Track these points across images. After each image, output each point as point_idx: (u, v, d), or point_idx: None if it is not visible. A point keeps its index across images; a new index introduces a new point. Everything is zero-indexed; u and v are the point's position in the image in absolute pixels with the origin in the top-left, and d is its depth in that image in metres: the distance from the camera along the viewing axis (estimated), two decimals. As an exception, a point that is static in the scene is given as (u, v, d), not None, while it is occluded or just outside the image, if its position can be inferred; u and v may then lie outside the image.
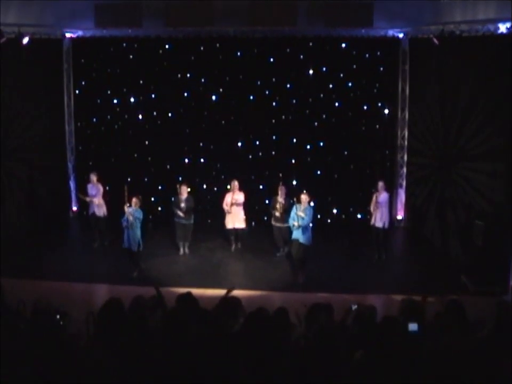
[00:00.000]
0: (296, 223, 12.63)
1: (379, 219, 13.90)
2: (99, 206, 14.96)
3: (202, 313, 6.47)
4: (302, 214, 12.54)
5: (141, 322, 5.99)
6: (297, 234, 12.71)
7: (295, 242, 12.81)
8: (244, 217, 14.82)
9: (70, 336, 6.09)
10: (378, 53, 16.34)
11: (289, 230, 13.33)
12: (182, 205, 14.24)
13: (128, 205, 12.76)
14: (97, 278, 12.71)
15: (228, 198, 14.67)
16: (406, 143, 16.91)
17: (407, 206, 17.00)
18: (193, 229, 14.74)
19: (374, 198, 13.98)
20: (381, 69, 16.42)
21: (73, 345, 5.75)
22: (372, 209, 14.07)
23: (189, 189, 14.69)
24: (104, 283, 12.53)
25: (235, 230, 14.87)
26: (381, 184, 13.99)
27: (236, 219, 14.71)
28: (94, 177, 15.00)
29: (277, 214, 14.09)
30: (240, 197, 14.67)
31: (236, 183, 14.68)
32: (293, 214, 12.84)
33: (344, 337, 6.19)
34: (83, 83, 17.43)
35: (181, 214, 14.25)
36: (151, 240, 15.00)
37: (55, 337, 5.80)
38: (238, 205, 14.63)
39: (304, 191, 13.16)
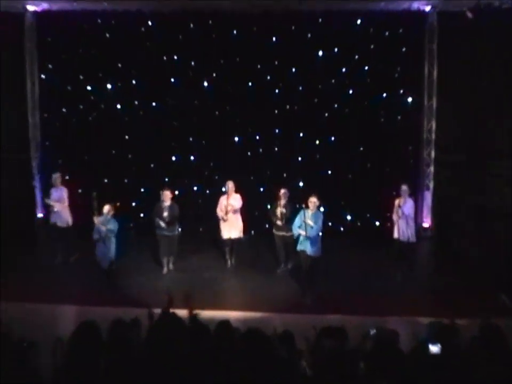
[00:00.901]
0: (303, 232, 12.51)
1: (403, 231, 13.60)
2: (63, 214, 14.71)
3: (191, 336, 6.41)
4: (310, 222, 12.41)
5: (122, 349, 5.93)
6: (304, 245, 12.60)
7: (301, 255, 12.71)
8: (242, 225, 14.74)
9: (35, 370, 6.03)
10: (401, 30, 16.31)
11: (294, 240, 13.25)
12: (165, 214, 14.07)
13: (96, 214, 12.56)
14: (65, 299, 12.59)
15: (223, 203, 14.58)
16: (433, 137, 16.90)
17: (435, 212, 16.96)
18: (181, 240, 14.67)
19: (396, 205, 13.73)
20: (404, 49, 16.39)
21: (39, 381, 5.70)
22: (394, 219, 13.83)
23: (172, 195, 14.43)
24: (74, 304, 12.41)
25: (231, 241, 14.79)
26: (404, 188, 13.65)
27: (232, 228, 14.63)
28: (57, 179, 14.77)
29: (278, 222, 14.03)
30: (237, 201, 14.58)
31: (231, 185, 14.59)
32: (299, 221, 12.70)
33: (360, 367, 6.12)
34: (50, 66, 17.41)
35: (163, 224, 14.10)
36: (133, 251, 14.94)
37: (20, 372, 5.74)
38: (234, 211, 14.55)
39: (313, 194, 13.02)
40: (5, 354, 6.04)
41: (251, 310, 11.97)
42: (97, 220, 12.43)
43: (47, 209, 15.67)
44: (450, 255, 15.39)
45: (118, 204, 13.11)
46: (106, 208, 12.66)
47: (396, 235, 13.74)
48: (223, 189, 15.09)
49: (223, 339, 6.45)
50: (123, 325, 6.80)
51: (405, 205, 13.53)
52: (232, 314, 10.99)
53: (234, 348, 6.34)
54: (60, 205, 14.62)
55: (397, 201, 13.70)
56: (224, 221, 14.59)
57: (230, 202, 14.50)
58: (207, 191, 17.22)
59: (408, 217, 13.59)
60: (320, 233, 12.81)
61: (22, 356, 6.11)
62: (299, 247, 12.74)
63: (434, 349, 6.02)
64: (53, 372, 6.52)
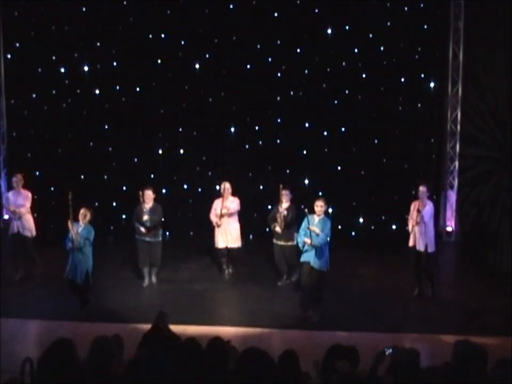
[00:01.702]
0: (308, 241, 12.32)
1: (420, 239, 13.29)
2: (25, 222, 14.34)
3: (181, 356, 6.38)
4: (316, 230, 12.14)
5: (103, 371, 5.91)
6: (309, 256, 12.32)
7: (305, 266, 12.45)
8: (239, 232, 14.63)
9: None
10: (422, 5, 16.33)
11: (295, 251, 13.16)
12: (145, 217, 13.77)
13: (72, 219, 12.38)
14: (32, 313, 12.55)
15: (217, 206, 14.47)
16: (458, 128, 16.90)
17: (460, 213, 16.96)
18: (167, 247, 14.61)
19: (412, 209, 13.45)
20: (425, 27, 16.40)
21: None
22: (410, 225, 13.55)
23: (154, 195, 14.05)
24: (43, 319, 12.36)
25: (227, 250, 14.69)
26: (422, 190, 13.19)
27: (227, 236, 14.48)
28: (18, 181, 14.36)
29: (277, 228, 13.90)
30: (233, 204, 14.37)
31: (227, 186, 14.31)
32: (302, 229, 12.54)
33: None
34: (17, 45, 17.38)
35: (143, 230, 13.88)
36: (112, 259, 14.92)
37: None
38: (230, 215, 14.41)
39: (319, 197, 12.80)
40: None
41: (248, 326, 11.94)
42: (72, 225, 12.18)
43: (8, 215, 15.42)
44: (478, 264, 15.39)
45: (94, 206, 12.86)
46: (81, 212, 12.35)
47: (411, 243, 13.46)
48: (217, 188, 15.03)
49: (215, 359, 6.42)
50: (104, 343, 6.76)
51: (423, 209, 13.28)
52: (227, 331, 10.99)
53: (229, 369, 6.32)
54: (22, 211, 14.24)
55: (413, 205, 13.41)
56: (218, 226, 14.37)
57: (226, 205, 14.28)
58: (199, 190, 17.23)
59: (427, 223, 13.23)
60: (328, 239, 12.64)
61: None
62: (303, 258, 12.39)
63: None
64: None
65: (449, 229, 17.03)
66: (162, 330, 7.22)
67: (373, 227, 17.22)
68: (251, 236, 16.42)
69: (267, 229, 15.72)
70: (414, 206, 13.37)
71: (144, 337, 7.07)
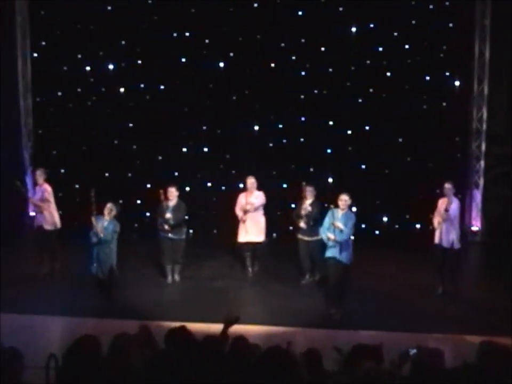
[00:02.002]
0: (331, 236, 12.33)
1: (446, 237, 13.31)
2: (48, 216, 14.41)
3: (201, 353, 6.36)
4: (340, 225, 12.15)
5: (125, 369, 5.90)
6: (333, 251, 12.39)
7: (330, 262, 12.49)
8: (264, 227, 14.66)
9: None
10: (447, 3, 16.24)
11: (320, 246, 13.12)
12: (168, 215, 13.79)
13: (95, 214, 12.44)
14: (56, 310, 12.58)
15: (242, 201, 14.50)
16: (484, 127, 16.79)
17: (485, 213, 16.84)
18: (190, 244, 14.63)
19: (439, 206, 13.49)
20: (450, 24, 16.31)
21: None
22: (435, 222, 13.52)
23: (177, 192, 14.10)
24: (67, 316, 12.40)
25: (251, 245, 14.71)
26: (448, 186, 13.25)
27: (252, 230, 14.51)
28: (40, 176, 14.44)
29: (302, 224, 13.88)
30: (258, 199, 14.43)
31: (252, 181, 14.40)
32: (327, 223, 12.53)
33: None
34: (43, 43, 17.51)
35: (166, 227, 13.89)
36: (136, 256, 14.96)
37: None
38: (255, 209, 14.44)
39: (344, 192, 12.83)
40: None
41: (271, 325, 11.94)
42: (95, 220, 12.26)
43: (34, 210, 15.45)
44: (504, 264, 15.25)
45: (120, 202, 12.93)
46: (107, 207, 12.46)
47: (437, 240, 13.45)
48: (241, 185, 15.05)
49: (238, 358, 6.39)
50: (126, 340, 6.76)
51: (449, 206, 13.26)
52: (250, 329, 10.97)
53: (251, 368, 6.29)
54: (44, 205, 14.31)
55: (440, 202, 13.42)
56: (243, 221, 14.44)
57: (250, 200, 14.37)
58: (222, 188, 17.23)
59: (453, 220, 13.26)
60: (352, 238, 12.68)
61: (6, 368, 6.07)
62: (327, 254, 12.44)
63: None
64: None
65: (474, 228, 16.92)
66: (186, 330, 7.18)
67: (397, 226, 17.15)
68: (274, 234, 16.36)
69: (290, 227, 15.73)
70: (440, 203, 13.36)
71: (167, 334, 7.05)
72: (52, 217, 14.38)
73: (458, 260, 14.06)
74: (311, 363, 6.47)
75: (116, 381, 5.69)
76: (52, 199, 14.39)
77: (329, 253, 12.35)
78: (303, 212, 13.74)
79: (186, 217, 14.23)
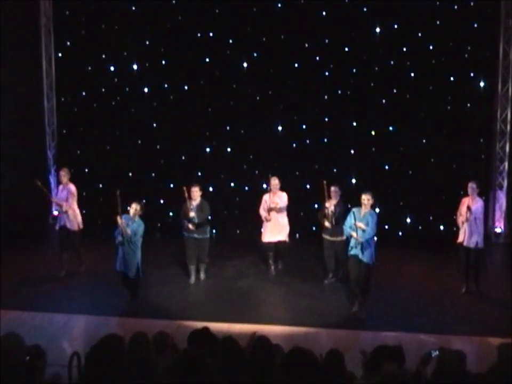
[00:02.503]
0: (354, 235, 12.36)
1: (469, 236, 13.27)
2: (71, 216, 14.42)
3: (225, 355, 6.39)
4: (362, 225, 12.19)
5: (146, 368, 5.93)
6: (355, 251, 12.44)
7: (353, 260, 12.56)
8: (288, 227, 14.71)
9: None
10: (472, 3, 16.16)
11: (345, 246, 13.14)
12: (192, 214, 13.80)
13: (120, 215, 12.43)
14: (82, 308, 12.69)
15: (266, 202, 14.56)
16: (508, 128, 16.69)
17: (509, 214, 16.76)
18: (213, 244, 14.68)
19: (463, 205, 13.45)
20: (475, 25, 16.23)
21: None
22: (459, 222, 13.49)
23: (201, 192, 14.10)
24: (91, 314, 12.47)
25: (275, 245, 14.76)
26: (472, 186, 13.26)
27: (276, 230, 14.58)
28: (64, 175, 14.49)
29: (327, 224, 13.91)
30: (282, 199, 14.49)
31: (276, 181, 14.42)
32: (349, 222, 12.56)
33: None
34: (68, 44, 17.63)
35: (191, 227, 13.96)
36: (159, 255, 15.03)
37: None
38: (279, 210, 14.49)
39: (366, 191, 12.78)
40: (11, 364, 6.08)
41: (295, 325, 11.93)
42: (120, 220, 12.32)
43: (57, 210, 15.47)
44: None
45: (144, 201, 12.95)
46: (133, 206, 12.51)
47: (460, 240, 13.45)
48: (264, 186, 15.08)
49: (259, 359, 6.41)
50: (145, 341, 6.80)
51: (473, 206, 13.22)
52: (272, 329, 11.00)
53: (273, 369, 6.31)
54: (67, 205, 14.33)
55: (464, 201, 13.41)
56: (267, 221, 14.50)
57: (274, 201, 14.41)
58: (246, 188, 17.25)
59: (476, 219, 13.24)
60: (375, 238, 12.70)
61: (27, 369, 6.13)
62: (349, 252, 12.56)
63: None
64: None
65: (498, 230, 16.83)
66: (209, 331, 7.22)
67: (420, 227, 17.09)
68: (297, 235, 16.36)
69: (313, 228, 15.76)
70: (463, 203, 13.36)
71: (191, 335, 7.09)
72: (75, 217, 14.43)
73: (481, 259, 14.07)
74: (333, 364, 6.48)
75: (139, 381, 5.74)
76: (75, 199, 14.47)
77: (352, 252, 12.48)
78: (327, 212, 13.77)
79: (210, 216, 14.27)
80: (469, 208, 13.08)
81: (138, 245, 12.54)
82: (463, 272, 13.67)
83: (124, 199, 12.47)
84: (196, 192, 13.92)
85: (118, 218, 12.31)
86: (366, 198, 12.35)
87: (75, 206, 14.48)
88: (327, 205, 13.76)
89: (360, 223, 12.17)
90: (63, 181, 14.49)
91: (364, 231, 12.17)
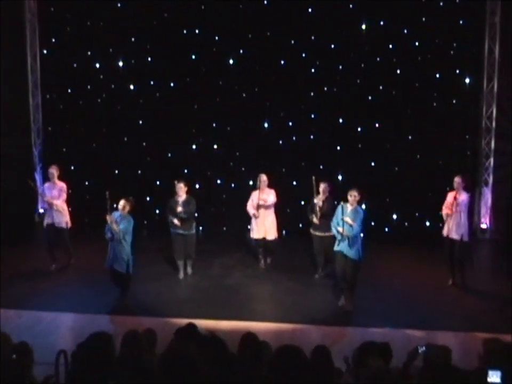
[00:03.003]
0: (341, 229, 12.45)
1: (455, 228, 13.48)
2: (60, 214, 14.50)
3: (212, 352, 6.40)
4: (349, 220, 12.30)
5: (137, 365, 5.94)
6: (342, 246, 12.51)
7: (339, 256, 12.64)
8: (275, 223, 14.77)
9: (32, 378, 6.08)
10: (458, 1, 16.22)
11: (333, 241, 13.17)
12: (179, 209, 13.90)
13: (110, 213, 12.44)
14: (69, 306, 12.65)
15: (255, 198, 14.60)
16: (493, 124, 16.75)
17: (495, 210, 16.83)
18: (200, 241, 14.71)
19: (450, 199, 13.64)
20: (461, 22, 16.28)
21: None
22: (444, 214, 13.69)
23: (187, 188, 14.13)
24: (78, 313, 12.43)
25: (264, 241, 14.84)
26: (458, 180, 13.44)
27: (264, 226, 14.67)
28: (53, 173, 14.47)
29: (315, 220, 13.97)
30: (270, 196, 14.55)
31: (264, 179, 14.49)
32: (337, 217, 12.67)
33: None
34: (53, 40, 17.58)
35: (176, 222, 14.02)
36: (146, 253, 15.03)
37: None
38: (267, 207, 14.56)
39: (353, 187, 12.74)
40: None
41: (281, 322, 11.96)
42: (110, 218, 12.34)
43: (44, 207, 15.46)
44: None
45: (132, 198, 12.93)
46: (122, 203, 12.54)
47: (446, 233, 13.66)
48: (250, 183, 15.11)
49: (247, 355, 6.43)
50: (134, 338, 6.81)
51: (459, 198, 13.40)
52: (259, 326, 11.02)
53: (261, 365, 6.33)
54: (56, 202, 14.37)
55: (450, 195, 13.62)
56: (256, 218, 14.59)
57: (263, 197, 14.47)
58: (232, 185, 17.26)
59: (462, 212, 13.44)
60: (361, 233, 12.75)
61: (13, 368, 6.13)
62: (336, 248, 12.63)
63: (494, 376, 5.98)
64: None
65: (484, 226, 16.90)
66: (195, 327, 7.24)
67: (406, 223, 17.15)
68: (284, 232, 16.39)
69: (301, 225, 15.79)
70: (449, 196, 13.58)
71: (177, 332, 7.11)
72: (64, 214, 14.49)
73: (467, 253, 14.22)
74: (320, 360, 6.51)
75: (127, 378, 5.74)
76: (65, 196, 14.50)
77: (339, 247, 12.56)
78: (316, 208, 13.84)
79: (196, 214, 14.31)
80: (455, 199, 13.28)
81: (128, 241, 12.56)
82: (449, 265, 13.86)
83: (112, 197, 12.47)
84: (182, 188, 13.97)
85: (108, 216, 12.35)
86: (352, 195, 12.43)
87: (64, 204, 14.51)
88: (315, 200, 13.82)
89: (347, 218, 12.28)
90: (53, 179, 14.46)
91: (351, 226, 12.26)
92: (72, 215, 14.77)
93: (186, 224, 14.05)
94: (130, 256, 12.61)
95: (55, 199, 14.36)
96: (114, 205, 12.54)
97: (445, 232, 13.66)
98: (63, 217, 14.49)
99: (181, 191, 13.99)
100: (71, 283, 13.92)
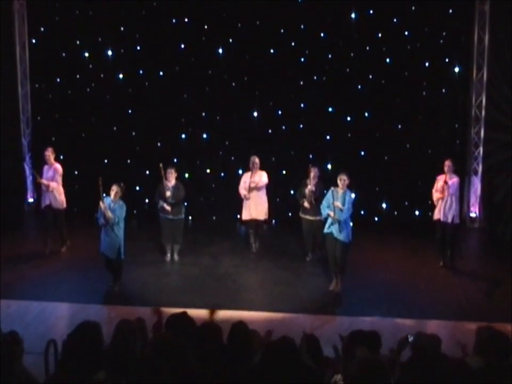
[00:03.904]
0: (331, 214, 12.62)
1: (445, 211, 13.80)
2: (57, 195, 14.75)
3: (203, 340, 6.39)
4: (339, 205, 12.50)
5: (128, 355, 5.94)
6: (332, 229, 12.71)
7: (329, 239, 12.84)
8: (267, 205, 14.92)
9: (23, 374, 6.06)
10: (447, -12, 16.19)
11: (323, 225, 13.24)
12: (168, 194, 14.09)
13: (103, 200, 12.55)
14: (58, 296, 12.65)
15: (246, 180, 14.71)
16: (483, 113, 16.76)
17: (484, 199, 16.87)
18: (188, 231, 14.76)
19: (437, 183, 13.90)
20: (450, 11, 16.27)
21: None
22: (435, 198, 13.97)
23: (176, 174, 14.36)
24: (68, 302, 12.47)
25: (254, 223, 14.95)
26: (448, 164, 13.76)
27: (255, 208, 14.80)
28: (49, 155, 14.73)
29: (306, 204, 14.06)
30: (262, 178, 14.72)
31: (257, 161, 14.68)
32: (326, 202, 12.79)
33: (396, 378, 6.11)
34: (42, 29, 17.48)
35: (166, 207, 14.16)
36: (135, 242, 15.03)
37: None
38: (259, 189, 14.68)
39: (342, 172, 12.90)
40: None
41: (270, 311, 12.00)
42: (103, 204, 12.42)
43: (40, 189, 15.52)
44: (502, 251, 15.30)
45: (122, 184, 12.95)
46: (113, 189, 12.59)
47: (437, 216, 13.98)
48: (240, 172, 15.14)
49: (236, 344, 6.42)
50: (127, 328, 6.79)
51: (449, 181, 13.70)
52: (249, 315, 11.03)
53: (251, 354, 6.33)
54: (54, 184, 14.61)
55: (440, 178, 13.88)
56: (247, 199, 14.73)
57: (255, 179, 14.63)
58: (221, 174, 17.24)
59: (452, 195, 13.75)
60: (350, 216, 12.81)
61: (6, 352, 6.11)
62: (326, 230, 12.84)
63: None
64: (45, 373, 6.59)
65: (473, 214, 16.94)
66: (187, 316, 7.24)
67: (396, 212, 17.17)
68: (274, 221, 16.40)
69: (290, 213, 15.82)
70: (439, 180, 13.89)
71: (167, 321, 7.11)
72: (60, 196, 14.76)
73: (457, 234, 14.50)
74: (309, 349, 6.51)
75: (117, 367, 5.74)
76: (60, 178, 14.75)
77: (328, 230, 12.81)
78: (307, 192, 13.97)
79: (185, 203, 14.37)
80: (446, 183, 13.59)
81: (121, 227, 12.69)
82: (440, 247, 14.23)
83: (105, 187, 12.55)
84: (172, 174, 14.17)
85: (100, 202, 12.44)
86: (342, 178, 12.69)
87: (60, 186, 14.76)
88: (307, 185, 13.97)
89: (337, 202, 12.52)
90: (49, 161, 14.70)
91: (341, 210, 12.49)
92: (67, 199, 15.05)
93: (175, 209, 14.20)
94: (122, 241, 12.73)
95: (50, 181, 14.58)
96: (104, 194, 12.57)
97: (436, 215, 14.03)
98: (59, 199, 14.76)
99: (171, 176, 14.17)
100: (60, 272, 13.87)
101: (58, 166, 14.81)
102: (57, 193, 14.73)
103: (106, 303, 12.22)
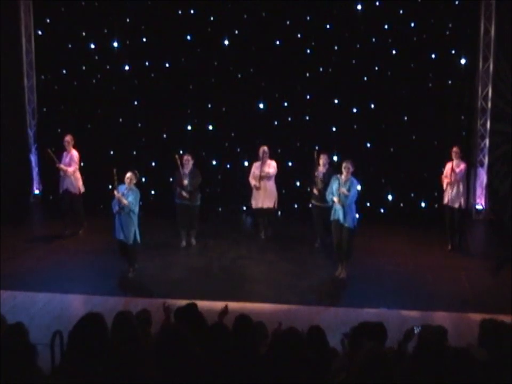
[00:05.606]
0: (336, 199, 12.78)
1: (454, 197, 14.21)
2: (73, 180, 15.22)
3: (212, 334, 6.39)
4: (344, 191, 12.65)
5: (130, 346, 5.93)
6: (338, 214, 12.88)
7: (335, 224, 12.99)
8: (276, 194, 15.05)
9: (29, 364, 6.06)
10: (453, -21, 16.14)
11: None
12: (186, 181, 14.23)
13: (117, 188, 12.69)
14: (64, 287, 12.62)
15: (256, 170, 14.79)
16: (489, 105, 16.72)
17: (490, 191, 16.83)
18: (202, 213, 14.93)
19: (448, 168, 14.15)
20: (456, 2, 16.22)
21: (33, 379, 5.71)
22: (444, 183, 14.29)
23: (193, 160, 14.56)
24: (73, 294, 12.46)
25: (264, 212, 15.06)
26: (456, 150, 14.14)
27: (265, 197, 14.95)
28: (69, 141, 15.24)
29: (315, 191, 14.13)
30: (271, 168, 14.86)
31: (266, 150, 14.81)
32: (332, 188, 12.88)
33: (402, 369, 6.10)
34: (48, 21, 17.47)
35: (184, 194, 14.28)
36: (140, 235, 15.04)
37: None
38: (269, 178, 14.81)
39: (347, 159, 13.02)
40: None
41: (276, 302, 12.00)
42: (117, 193, 12.53)
43: (58, 174, 15.57)
44: (509, 242, 15.25)
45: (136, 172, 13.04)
46: (127, 176, 12.68)
47: (445, 201, 14.41)
48: (246, 164, 15.15)
49: (241, 337, 6.42)
50: (130, 319, 6.79)
51: (457, 168, 14.11)
52: (255, 307, 11.04)
53: (255, 347, 6.33)
54: (70, 170, 15.10)
55: (449, 164, 14.21)
56: (257, 189, 14.86)
57: (264, 169, 14.75)
58: (227, 166, 17.22)
59: (460, 181, 14.18)
60: (355, 202, 12.93)
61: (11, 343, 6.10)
62: (332, 217, 13.00)
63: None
64: (51, 364, 6.58)
65: (479, 206, 16.90)
66: (195, 307, 7.24)
67: (402, 204, 17.13)
68: (279, 212, 16.39)
69: (295, 205, 15.81)
70: (447, 166, 14.23)
71: (175, 313, 7.11)
72: (77, 181, 15.25)
73: (464, 219, 14.94)
74: (315, 341, 6.51)
75: (122, 359, 5.73)
76: (77, 165, 15.24)
77: (335, 216, 13.00)
78: (317, 179, 14.07)
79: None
80: (453, 170, 14.00)
81: (136, 213, 12.87)
82: (448, 231, 14.62)
83: (108, 176, 12.76)
84: (188, 161, 14.40)
85: (115, 192, 12.67)
86: (346, 166, 12.85)
87: (77, 172, 15.28)
88: (317, 172, 14.12)
89: (343, 189, 12.68)
90: (68, 148, 15.23)
91: (346, 196, 12.66)
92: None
93: (192, 195, 14.40)
94: (137, 227, 12.91)
95: (68, 167, 15.10)
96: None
97: (444, 200, 14.47)
98: (76, 184, 15.27)
99: (188, 163, 14.38)
100: (66, 264, 13.89)
101: (75, 153, 15.29)
102: (74, 179, 15.20)
103: (112, 294, 12.18)
